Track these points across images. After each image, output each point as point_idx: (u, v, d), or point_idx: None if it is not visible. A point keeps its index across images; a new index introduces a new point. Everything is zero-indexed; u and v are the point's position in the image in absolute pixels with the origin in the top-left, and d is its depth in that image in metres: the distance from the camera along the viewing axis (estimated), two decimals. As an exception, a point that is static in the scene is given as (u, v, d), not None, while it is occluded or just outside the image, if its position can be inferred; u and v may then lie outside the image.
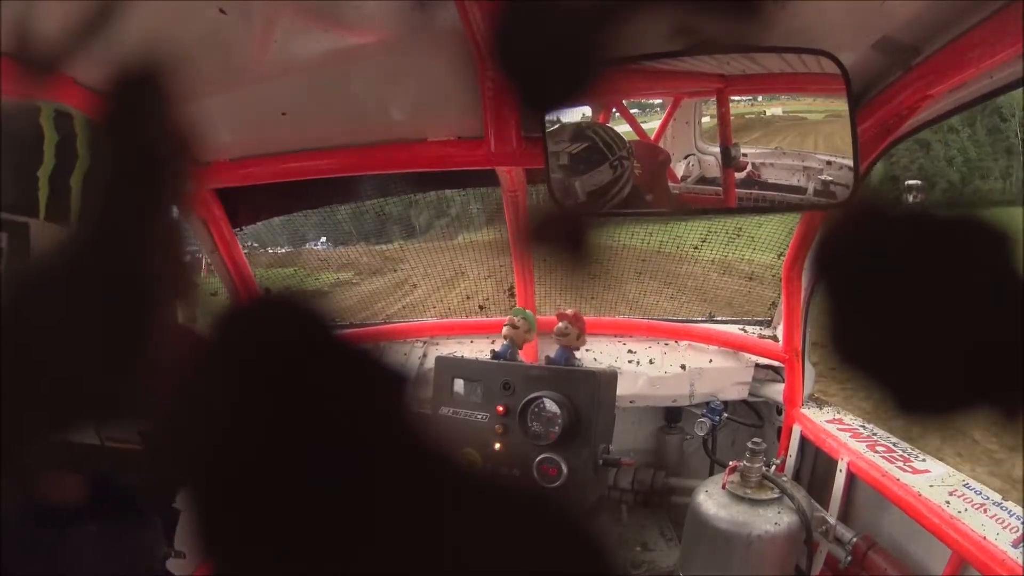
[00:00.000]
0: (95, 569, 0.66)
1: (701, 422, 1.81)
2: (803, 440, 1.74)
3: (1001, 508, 1.22)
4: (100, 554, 0.67)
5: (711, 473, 1.81)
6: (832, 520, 1.53)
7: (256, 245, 1.82)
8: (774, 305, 1.89)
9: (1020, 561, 1.06)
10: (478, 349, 1.91)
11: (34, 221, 0.57)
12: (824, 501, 1.58)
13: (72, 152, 0.60)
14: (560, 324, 1.69)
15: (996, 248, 0.26)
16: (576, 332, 1.68)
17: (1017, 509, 1.20)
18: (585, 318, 1.73)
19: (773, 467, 1.57)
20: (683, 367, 1.89)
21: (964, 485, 1.32)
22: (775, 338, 1.83)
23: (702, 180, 1.06)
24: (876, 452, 1.49)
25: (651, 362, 1.91)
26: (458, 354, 1.81)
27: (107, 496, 0.68)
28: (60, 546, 0.63)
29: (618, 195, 1.06)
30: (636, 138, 1.08)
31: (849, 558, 1.47)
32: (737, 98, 1.05)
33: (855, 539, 1.47)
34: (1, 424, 0.27)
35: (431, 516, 0.25)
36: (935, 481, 1.34)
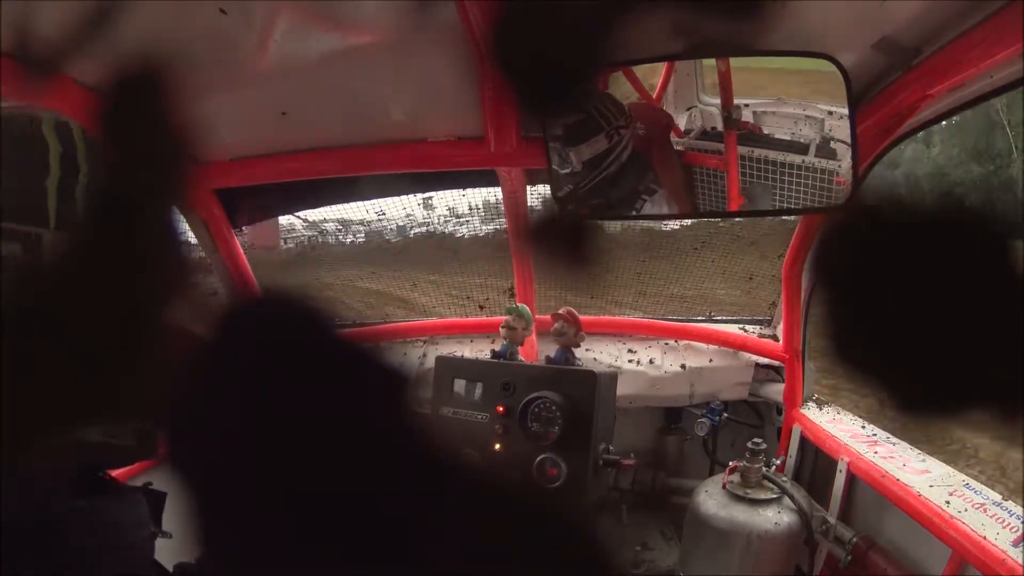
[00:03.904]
0: (78, 540, 0.68)
1: (701, 422, 1.81)
2: (803, 440, 1.74)
3: (1001, 508, 1.22)
4: (84, 526, 0.68)
5: (711, 473, 1.81)
6: (832, 520, 1.53)
7: (256, 245, 1.82)
8: (774, 305, 1.89)
9: (1020, 561, 1.06)
10: (478, 349, 1.91)
11: (46, 232, 0.58)
12: (824, 501, 1.58)
13: (74, 163, 0.60)
14: (556, 325, 1.68)
15: (994, 248, 0.26)
16: (573, 330, 1.68)
17: (1017, 509, 1.20)
18: (586, 318, 1.73)
19: (773, 467, 1.57)
20: (683, 367, 1.89)
21: (964, 485, 1.32)
22: (775, 338, 1.83)
23: (704, 134, 1.06)
24: (876, 452, 1.49)
25: (651, 362, 1.91)
26: (458, 354, 1.81)
27: (92, 474, 0.70)
28: (46, 518, 0.65)
29: (616, 161, 1.06)
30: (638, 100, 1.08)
31: (849, 558, 1.47)
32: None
33: (855, 539, 1.47)
34: (4, 422, 0.27)
35: (431, 515, 0.25)
36: (935, 481, 1.34)
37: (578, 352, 1.72)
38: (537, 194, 1.54)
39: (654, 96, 1.08)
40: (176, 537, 0.82)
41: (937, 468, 1.41)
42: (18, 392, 0.27)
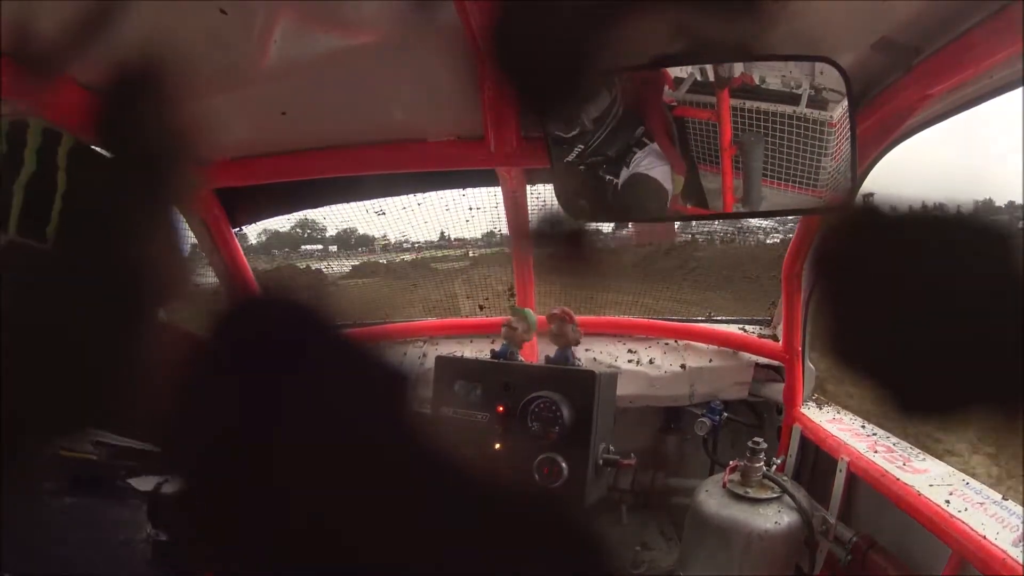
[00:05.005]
0: (67, 535, 0.68)
1: (701, 422, 1.81)
2: (803, 440, 1.74)
3: (1001, 507, 1.22)
4: (73, 522, 0.69)
5: (711, 473, 1.81)
6: (832, 519, 1.53)
7: (256, 245, 1.82)
8: (774, 305, 1.89)
9: (1020, 560, 1.06)
10: (478, 349, 1.91)
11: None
12: (824, 501, 1.58)
13: (17, 160, 0.60)
14: (553, 326, 1.68)
15: (994, 248, 0.26)
16: (571, 328, 1.67)
17: (1017, 508, 1.20)
18: (586, 318, 1.73)
19: (773, 467, 1.57)
20: (683, 367, 1.89)
21: (964, 485, 1.32)
22: (775, 338, 1.83)
23: (697, 86, 1.04)
24: (876, 452, 1.49)
25: (651, 362, 1.91)
26: (458, 354, 1.81)
27: (86, 474, 0.71)
28: (36, 514, 0.65)
29: (615, 115, 1.06)
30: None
31: (849, 557, 1.47)
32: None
33: (855, 538, 1.47)
34: (2, 421, 0.27)
35: (431, 515, 0.25)
36: (935, 481, 1.34)
37: (578, 352, 1.72)
38: (537, 194, 1.54)
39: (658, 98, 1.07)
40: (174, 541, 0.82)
41: (937, 467, 1.41)
42: (15, 395, 0.27)
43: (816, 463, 1.75)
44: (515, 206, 1.57)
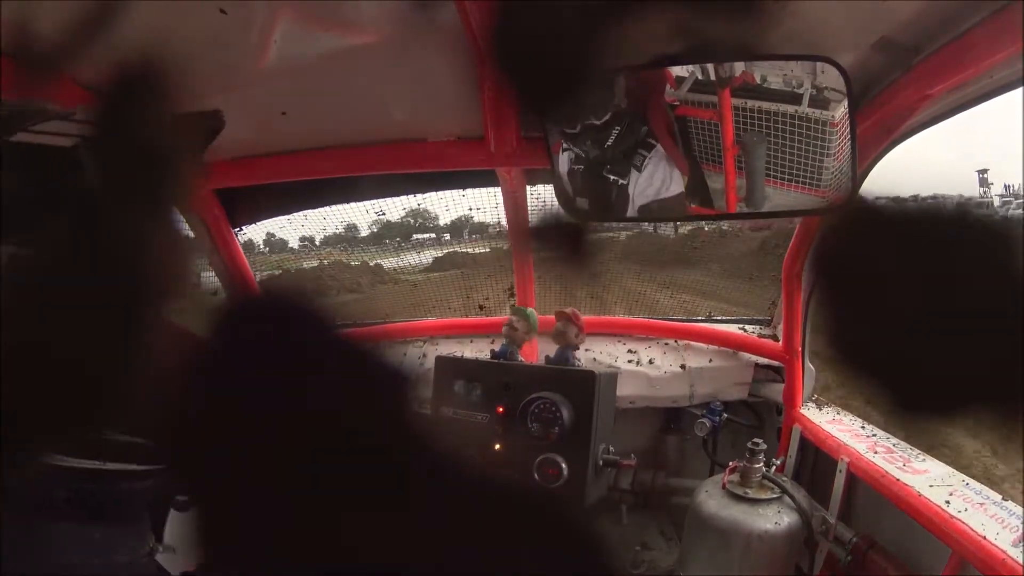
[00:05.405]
0: (72, 560, 0.68)
1: (701, 422, 1.81)
2: (803, 440, 1.74)
3: (1001, 508, 1.22)
4: (77, 547, 0.68)
5: (711, 474, 1.81)
6: (832, 519, 1.53)
7: (256, 245, 1.82)
8: (774, 305, 1.89)
9: (1020, 560, 1.06)
10: (478, 349, 1.91)
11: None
12: (824, 502, 1.58)
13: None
14: (558, 324, 1.68)
15: (995, 248, 0.26)
16: (575, 331, 1.68)
17: (1017, 509, 1.20)
18: (585, 317, 1.73)
19: (773, 467, 1.57)
20: (683, 367, 1.89)
21: (964, 485, 1.32)
22: (775, 338, 1.83)
23: (697, 85, 1.04)
24: (876, 452, 1.49)
25: (651, 362, 1.91)
26: (458, 354, 1.81)
27: (88, 493, 0.70)
28: (37, 539, 0.65)
29: (628, 115, 1.08)
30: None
31: (849, 557, 1.47)
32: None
33: (855, 538, 1.47)
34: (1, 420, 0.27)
35: (432, 516, 0.25)
36: (935, 481, 1.34)
37: (578, 352, 1.72)
38: (536, 194, 1.54)
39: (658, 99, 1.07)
40: (180, 550, 0.82)
41: (937, 468, 1.41)
42: (14, 396, 0.26)
43: (816, 464, 1.75)
44: (515, 206, 1.57)
